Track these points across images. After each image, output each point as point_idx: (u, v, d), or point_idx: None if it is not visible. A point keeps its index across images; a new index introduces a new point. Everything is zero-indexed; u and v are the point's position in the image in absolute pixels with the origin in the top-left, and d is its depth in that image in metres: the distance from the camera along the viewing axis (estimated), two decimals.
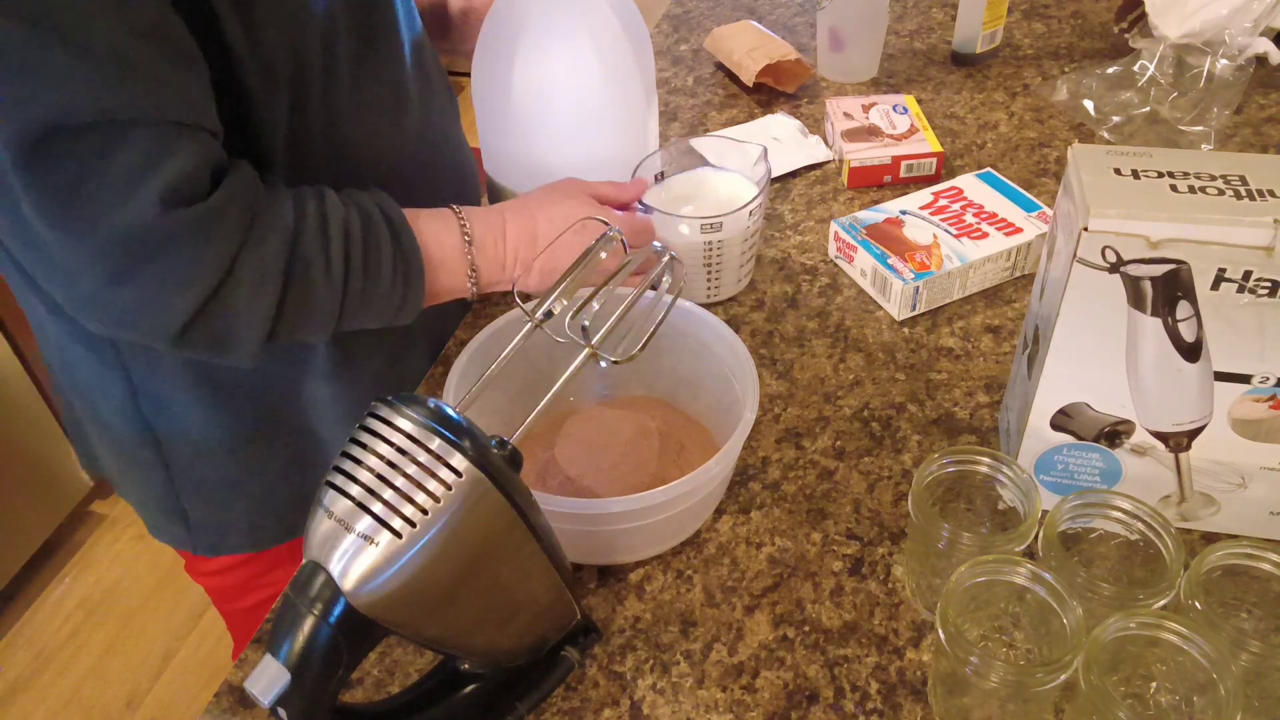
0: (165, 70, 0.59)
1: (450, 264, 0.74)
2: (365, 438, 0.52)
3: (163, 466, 0.86)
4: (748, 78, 1.20)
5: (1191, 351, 0.62)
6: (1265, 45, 1.08)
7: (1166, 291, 0.60)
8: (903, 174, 1.06)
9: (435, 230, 0.74)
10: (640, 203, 0.86)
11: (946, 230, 0.93)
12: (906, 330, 0.90)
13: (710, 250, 0.88)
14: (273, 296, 0.65)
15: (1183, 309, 0.60)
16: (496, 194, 0.93)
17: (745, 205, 0.87)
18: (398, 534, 0.50)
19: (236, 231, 0.63)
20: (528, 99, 0.86)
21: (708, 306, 0.82)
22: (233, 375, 0.80)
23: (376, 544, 0.50)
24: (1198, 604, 0.57)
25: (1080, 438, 0.69)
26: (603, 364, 0.61)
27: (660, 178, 0.94)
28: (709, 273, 0.90)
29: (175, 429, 0.83)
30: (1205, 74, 1.08)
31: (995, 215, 0.95)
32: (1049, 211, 0.95)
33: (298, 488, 0.89)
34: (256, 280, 0.64)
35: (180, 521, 0.90)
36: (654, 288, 0.65)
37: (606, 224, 0.70)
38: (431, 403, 0.53)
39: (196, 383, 0.80)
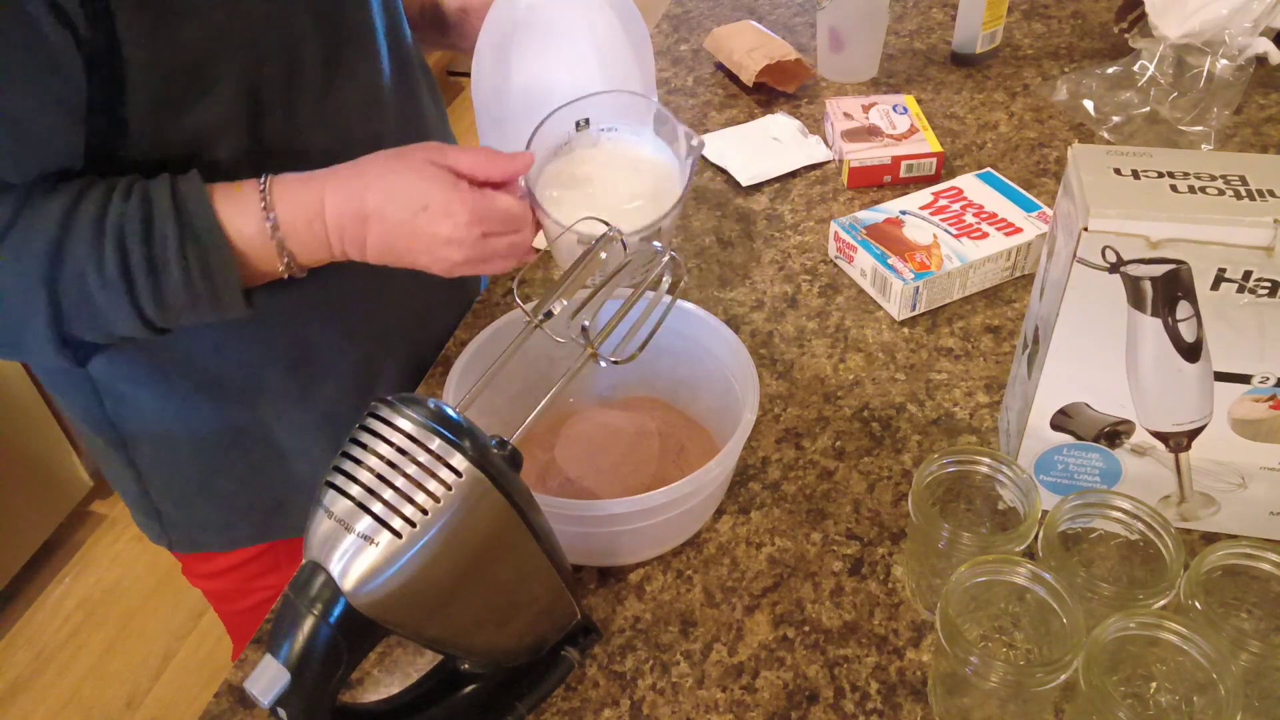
0: None
1: (255, 251, 0.67)
2: (365, 438, 0.52)
3: (133, 466, 0.86)
4: (748, 78, 1.20)
5: (1191, 351, 0.62)
6: (1265, 45, 1.08)
7: (1166, 291, 0.60)
8: (903, 174, 1.06)
9: (231, 216, 0.66)
10: (524, 182, 0.72)
11: (946, 230, 0.93)
12: (906, 330, 0.90)
13: None
14: (43, 302, 0.63)
15: (1183, 309, 0.60)
16: None
17: (638, 230, 0.70)
18: (398, 534, 0.50)
19: None
20: (527, 99, 0.85)
21: None
22: (189, 376, 0.79)
23: (376, 544, 0.50)
24: (1198, 604, 0.57)
25: (1080, 438, 0.69)
26: (603, 364, 0.61)
27: (584, 124, 0.79)
28: None
29: (140, 430, 0.83)
30: (1205, 74, 1.08)
31: (995, 215, 0.95)
32: (1049, 211, 0.95)
33: (264, 493, 0.88)
34: (18, 288, 0.63)
35: (156, 520, 0.90)
36: (654, 288, 0.65)
37: (607, 224, 0.70)
38: (431, 403, 0.53)
39: (155, 382, 0.79)
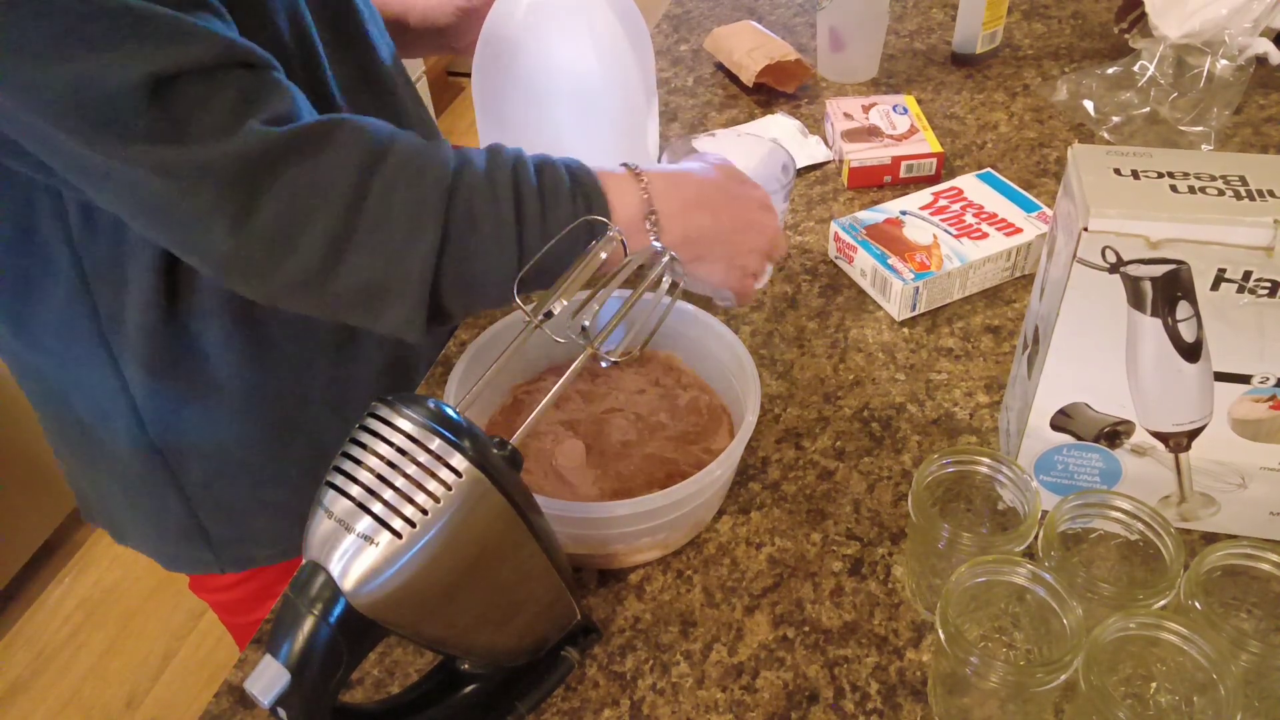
0: (220, 25, 0.59)
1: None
2: (365, 438, 0.52)
3: (177, 488, 0.83)
4: (748, 78, 1.20)
5: (1191, 351, 0.62)
6: (1265, 45, 1.08)
7: (1166, 291, 0.60)
8: (903, 174, 1.06)
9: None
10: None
11: (946, 230, 0.93)
12: (906, 330, 0.90)
13: None
14: (431, 241, 0.62)
15: (1183, 309, 0.60)
16: None
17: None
18: (398, 534, 0.50)
19: (360, 154, 0.60)
20: (528, 99, 0.86)
21: None
22: (239, 381, 0.78)
23: (376, 544, 0.50)
24: (1198, 604, 0.57)
25: (1080, 438, 0.69)
26: (603, 364, 0.61)
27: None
28: None
29: (185, 446, 0.81)
30: (1205, 74, 1.08)
31: (995, 215, 0.95)
32: (1049, 211, 0.95)
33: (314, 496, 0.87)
34: (408, 218, 0.61)
35: (202, 542, 0.87)
36: (654, 288, 0.65)
37: (607, 223, 0.70)
38: (431, 403, 0.53)
39: (202, 394, 0.78)
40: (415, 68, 2.82)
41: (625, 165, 0.71)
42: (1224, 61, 1.07)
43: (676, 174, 0.73)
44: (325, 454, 0.84)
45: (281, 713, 0.51)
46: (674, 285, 0.66)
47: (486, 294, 0.67)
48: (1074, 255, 0.59)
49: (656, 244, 0.68)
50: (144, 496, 0.85)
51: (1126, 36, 1.17)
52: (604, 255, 0.66)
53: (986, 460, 0.67)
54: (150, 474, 0.82)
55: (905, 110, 1.10)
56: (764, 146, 0.92)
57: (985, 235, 0.92)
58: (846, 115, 1.11)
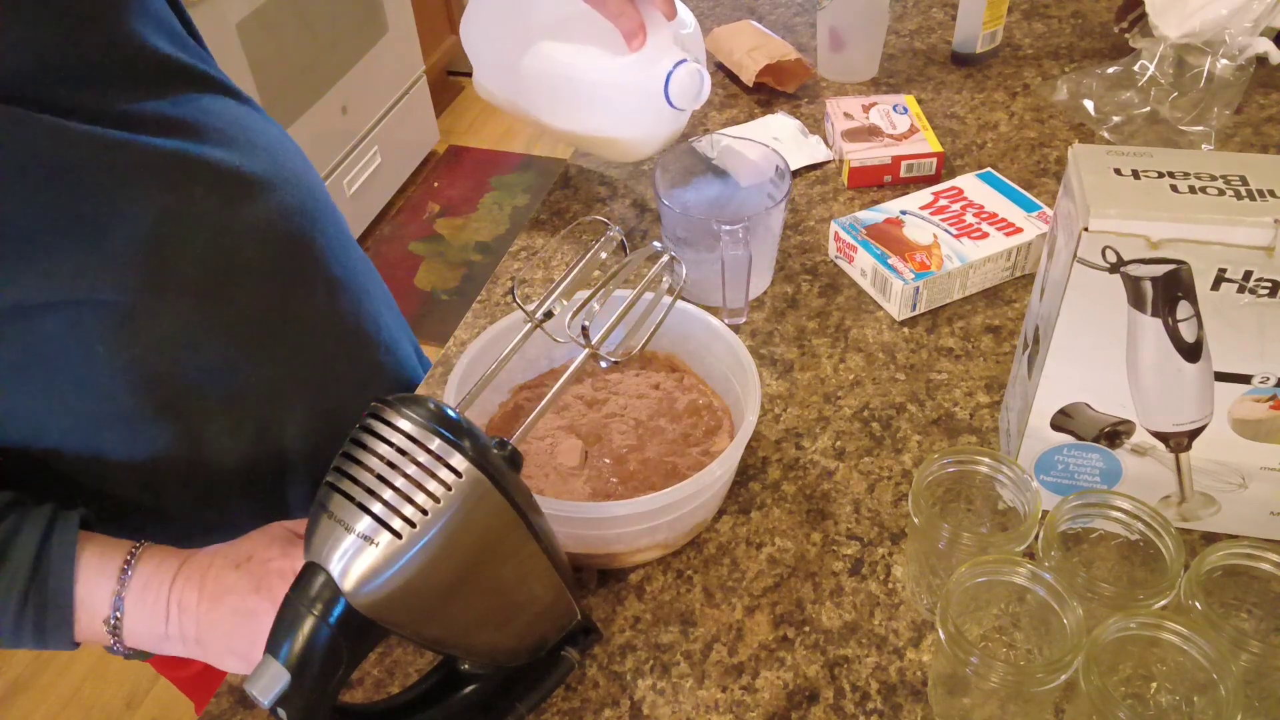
0: None
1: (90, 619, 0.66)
2: (365, 438, 0.52)
3: None
4: (748, 78, 1.20)
5: (1191, 352, 0.62)
6: (1265, 45, 1.08)
7: (1166, 291, 0.60)
8: (903, 174, 1.06)
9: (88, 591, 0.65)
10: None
11: (946, 230, 0.93)
12: (906, 330, 0.90)
13: None
14: None
15: (1183, 309, 0.60)
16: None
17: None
18: (397, 534, 0.50)
19: None
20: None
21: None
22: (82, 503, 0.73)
23: (376, 544, 0.50)
24: (1198, 604, 0.57)
25: (1080, 438, 0.69)
26: (603, 364, 0.61)
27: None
28: None
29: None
30: (1205, 74, 1.08)
31: (995, 215, 0.95)
32: (1049, 211, 0.95)
33: None
34: None
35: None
36: (654, 288, 0.65)
37: (607, 223, 0.70)
38: (431, 403, 0.53)
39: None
40: (415, 68, 2.73)
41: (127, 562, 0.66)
42: (1224, 61, 1.07)
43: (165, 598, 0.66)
44: (234, 520, 0.77)
45: (281, 713, 0.51)
46: (674, 285, 0.66)
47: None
48: (1074, 255, 0.59)
49: (656, 245, 0.68)
50: None
51: (1126, 36, 1.17)
52: (604, 255, 0.66)
53: (986, 460, 0.67)
54: None
55: (905, 110, 1.10)
56: (757, 150, 0.93)
57: (985, 235, 0.92)
58: (846, 115, 1.11)
